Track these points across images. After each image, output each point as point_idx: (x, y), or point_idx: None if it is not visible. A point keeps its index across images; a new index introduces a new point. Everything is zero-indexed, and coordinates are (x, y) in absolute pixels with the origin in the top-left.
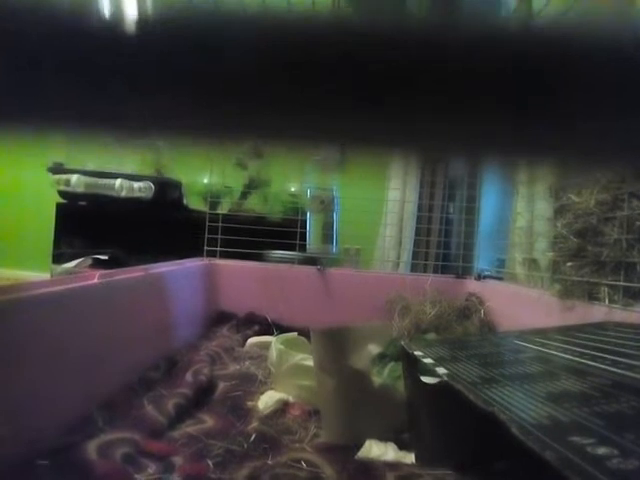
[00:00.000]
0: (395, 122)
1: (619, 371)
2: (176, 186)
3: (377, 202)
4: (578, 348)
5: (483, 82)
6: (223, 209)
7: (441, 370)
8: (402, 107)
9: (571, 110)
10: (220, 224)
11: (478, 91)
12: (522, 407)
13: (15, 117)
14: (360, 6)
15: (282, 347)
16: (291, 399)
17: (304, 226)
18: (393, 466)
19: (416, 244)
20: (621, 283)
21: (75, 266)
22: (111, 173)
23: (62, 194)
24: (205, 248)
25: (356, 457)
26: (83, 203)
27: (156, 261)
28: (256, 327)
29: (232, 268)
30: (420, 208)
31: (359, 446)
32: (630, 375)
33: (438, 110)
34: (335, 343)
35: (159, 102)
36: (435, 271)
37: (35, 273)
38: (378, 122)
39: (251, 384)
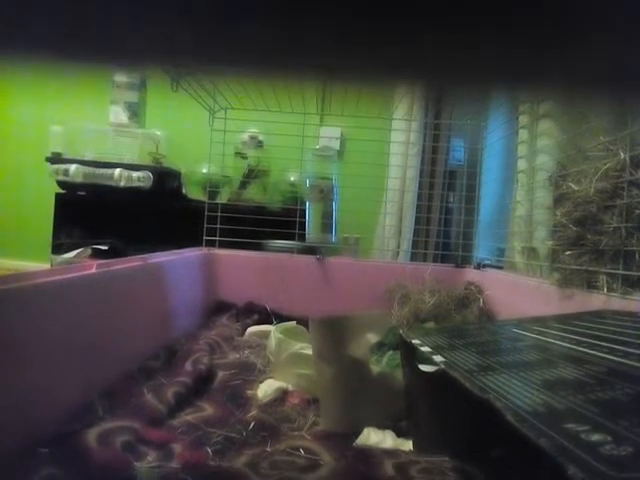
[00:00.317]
0: (398, 47)
1: (615, 359)
2: (175, 176)
3: (377, 191)
4: (575, 336)
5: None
6: (222, 199)
7: (438, 358)
8: (406, 32)
9: (581, 33)
10: (219, 214)
11: (485, 13)
12: (518, 395)
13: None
14: None
15: (281, 336)
16: (290, 387)
17: (303, 215)
18: (391, 453)
19: (416, 233)
20: (620, 271)
21: (74, 256)
22: (110, 163)
23: (61, 184)
24: (204, 238)
25: (354, 444)
26: (82, 193)
27: (155, 251)
28: (255, 316)
29: (231, 258)
30: (420, 197)
31: (357, 434)
32: (626, 362)
33: (442, 33)
34: (334, 332)
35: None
36: (435, 260)
37: (35, 263)
38: (381, 48)
39: (250, 373)
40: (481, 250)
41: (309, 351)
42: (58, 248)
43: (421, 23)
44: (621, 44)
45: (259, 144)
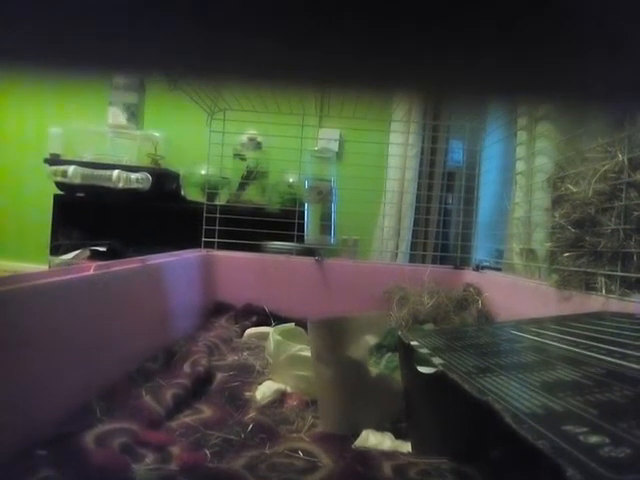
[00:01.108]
0: (397, 58)
1: (614, 360)
2: (173, 177)
3: (375, 193)
4: (574, 338)
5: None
6: (221, 200)
7: (437, 360)
8: (404, 43)
9: (576, 42)
10: (218, 215)
11: (481, 22)
12: (516, 396)
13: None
14: None
15: (280, 338)
16: (289, 389)
17: (302, 217)
18: (390, 455)
19: (414, 235)
20: (618, 273)
21: (73, 258)
22: (108, 164)
23: (59, 185)
24: (203, 239)
25: (353, 446)
26: (80, 194)
27: (154, 252)
28: (254, 318)
29: (230, 259)
30: (418, 199)
31: (356, 435)
32: (624, 364)
33: (442, 45)
34: (332, 333)
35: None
36: (433, 262)
37: (33, 265)
38: (380, 59)
39: (249, 374)
40: (480, 252)
41: (308, 353)
42: (56, 249)
43: (421, 35)
44: (622, 55)
45: (258, 145)
